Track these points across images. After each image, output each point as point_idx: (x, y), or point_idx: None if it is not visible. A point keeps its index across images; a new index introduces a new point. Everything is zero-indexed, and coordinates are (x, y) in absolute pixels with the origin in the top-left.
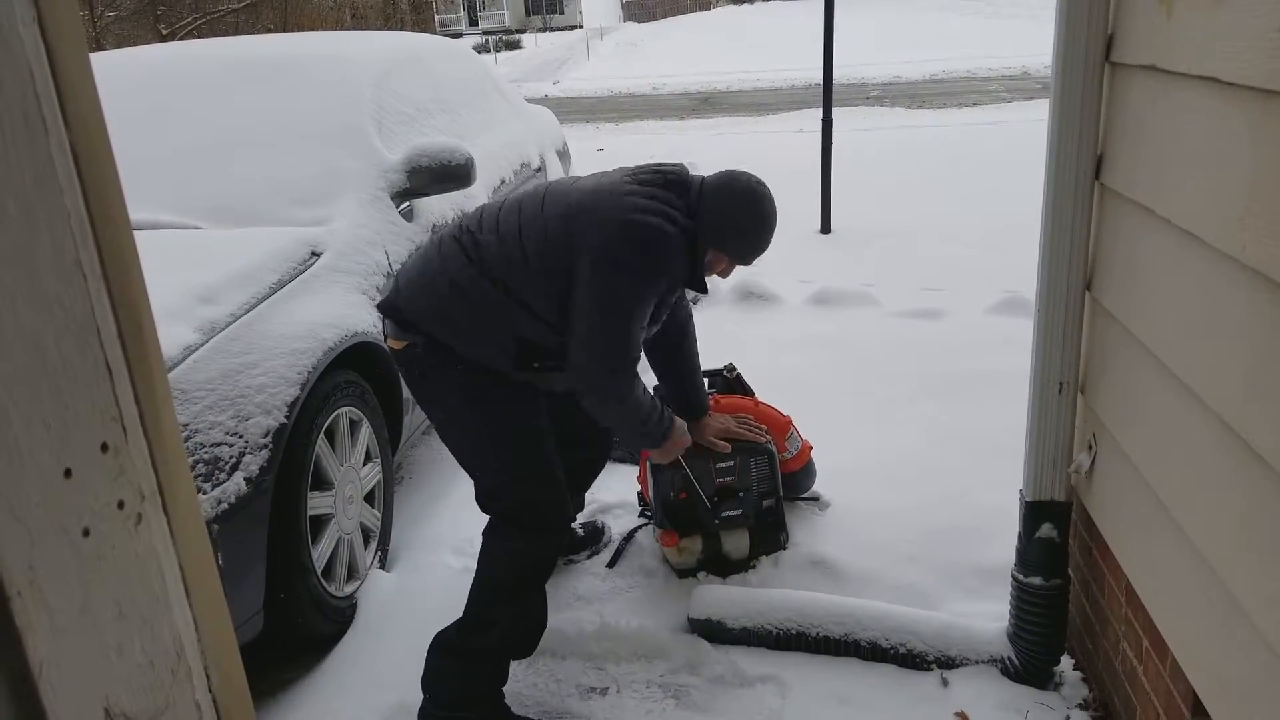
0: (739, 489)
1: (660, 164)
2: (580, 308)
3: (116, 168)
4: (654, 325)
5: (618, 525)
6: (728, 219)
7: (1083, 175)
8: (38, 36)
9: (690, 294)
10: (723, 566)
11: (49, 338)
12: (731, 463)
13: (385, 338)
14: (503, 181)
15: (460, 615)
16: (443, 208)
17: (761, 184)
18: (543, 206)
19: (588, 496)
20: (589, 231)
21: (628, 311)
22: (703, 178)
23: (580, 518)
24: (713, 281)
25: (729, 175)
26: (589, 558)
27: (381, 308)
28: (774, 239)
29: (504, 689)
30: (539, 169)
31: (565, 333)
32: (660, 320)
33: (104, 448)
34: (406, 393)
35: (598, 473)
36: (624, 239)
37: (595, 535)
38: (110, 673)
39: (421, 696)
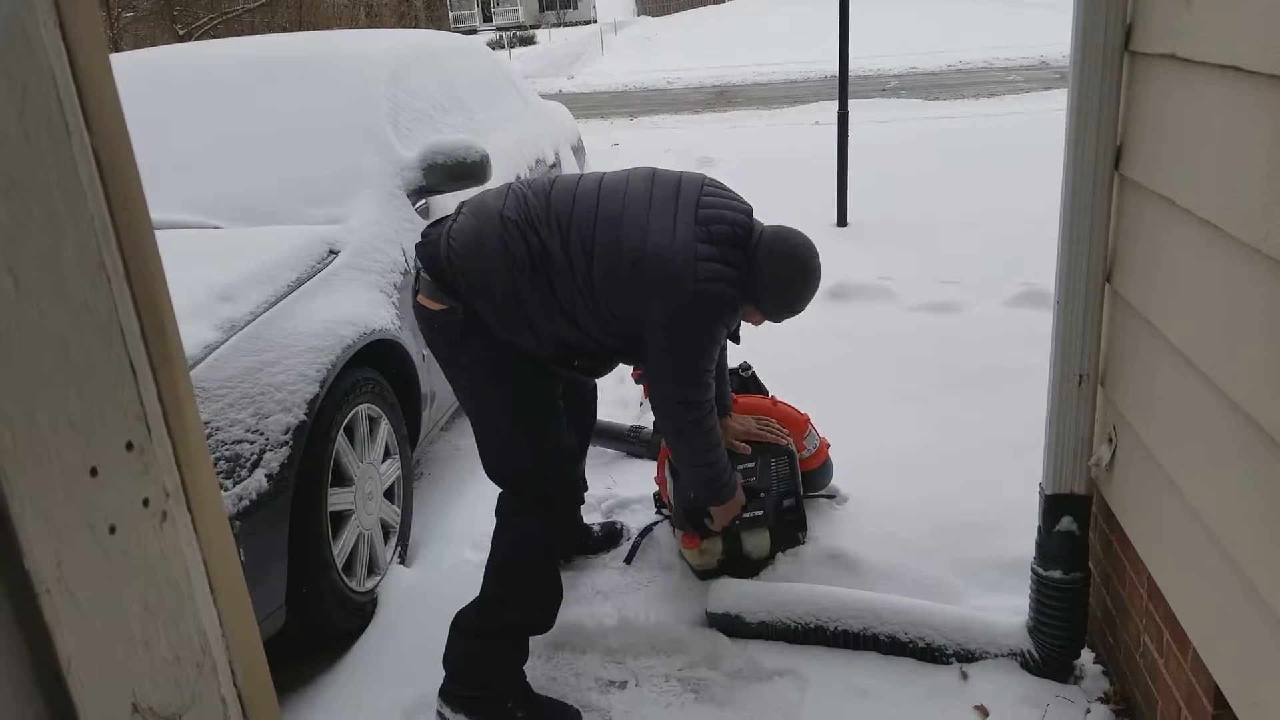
0: (760, 489)
1: (729, 204)
2: (653, 352)
3: (137, 170)
4: None
5: (635, 520)
6: (778, 289)
7: (1102, 166)
8: (59, 39)
9: None
10: (743, 567)
11: (74, 338)
12: (752, 464)
13: (416, 293)
14: (518, 178)
15: (478, 594)
16: None
17: (813, 255)
18: (619, 238)
19: (606, 491)
20: (662, 291)
21: (699, 364)
22: (762, 231)
23: (599, 518)
24: None
25: (787, 244)
26: (607, 554)
27: (424, 260)
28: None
29: (525, 667)
30: (554, 165)
31: (612, 352)
32: None
33: (129, 446)
34: (425, 389)
35: (585, 445)
36: (698, 308)
37: (614, 536)
38: (137, 667)
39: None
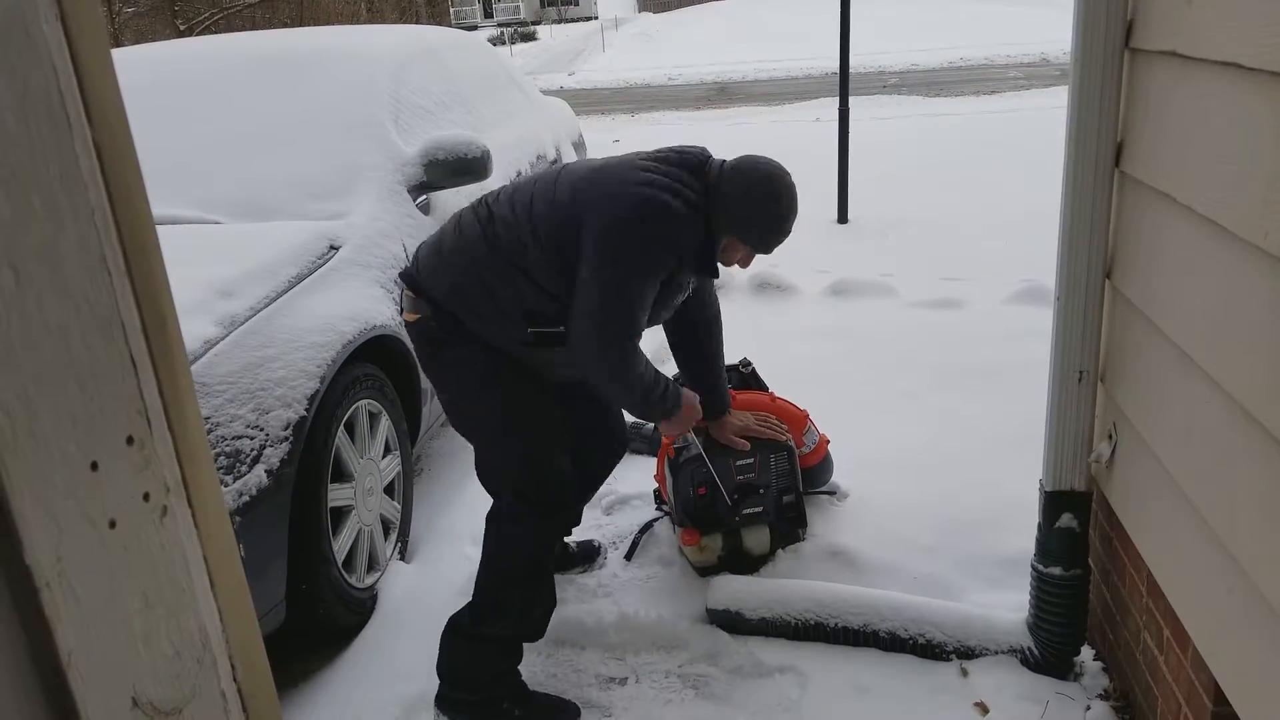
0: (759, 485)
1: (681, 146)
2: (583, 281)
3: (139, 163)
4: (664, 309)
5: (635, 516)
6: (745, 206)
7: (1102, 163)
8: (60, 33)
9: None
10: (744, 563)
11: (75, 332)
12: (752, 460)
13: (400, 310)
14: (519, 174)
15: (471, 599)
16: (460, 200)
17: (782, 170)
18: (555, 185)
19: (606, 487)
20: (594, 205)
21: (628, 286)
22: (723, 161)
23: (599, 514)
24: (729, 272)
25: (750, 160)
26: (581, 573)
27: (401, 276)
28: (794, 228)
29: (519, 667)
30: (555, 161)
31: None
32: (673, 305)
33: (129, 441)
34: (425, 384)
35: (602, 478)
36: (628, 212)
37: (590, 554)
38: (137, 662)
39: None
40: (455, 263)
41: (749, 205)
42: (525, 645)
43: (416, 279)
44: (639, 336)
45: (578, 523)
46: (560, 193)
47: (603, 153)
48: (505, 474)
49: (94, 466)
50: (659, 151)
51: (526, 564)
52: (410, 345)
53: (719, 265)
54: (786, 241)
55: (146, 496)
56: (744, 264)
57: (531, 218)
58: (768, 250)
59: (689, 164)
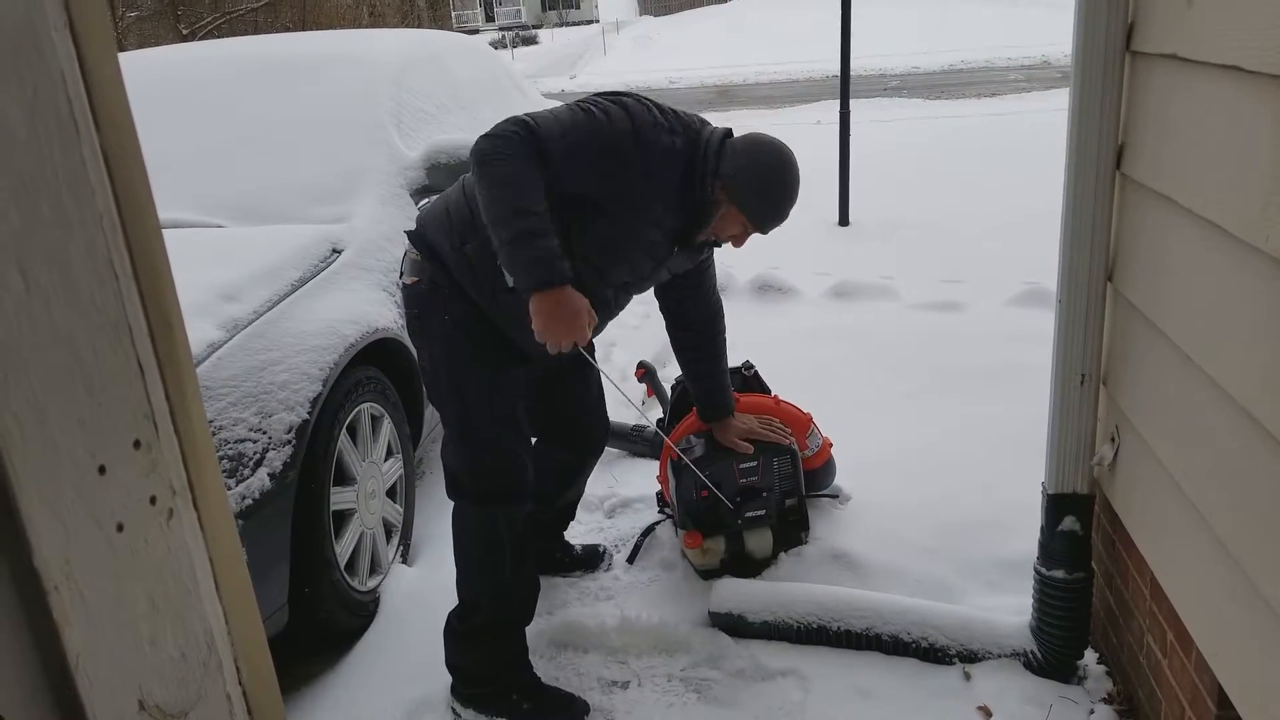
0: (762, 489)
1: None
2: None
3: (145, 169)
4: (643, 257)
5: (638, 519)
6: (752, 174)
7: (1104, 165)
8: (69, 41)
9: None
10: (746, 566)
11: (83, 337)
12: (755, 463)
13: (400, 275)
14: None
15: None
16: None
17: (790, 150)
18: None
19: (608, 490)
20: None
21: (569, 114)
22: (728, 131)
23: (600, 517)
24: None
25: (758, 134)
26: (583, 576)
27: (408, 235)
28: (791, 229)
29: (528, 657)
30: None
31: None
32: (653, 259)
33: (136, 444)
34: None
35: (578, 480)
36: (598, 101)
37: (594, 558)
38: (144, 665)
39: (447, 683)
40: (453, 198)
41: (756, 175)
42: (533, 643)
43: (418, 234)
44: (519, 134)
45: (566, 520)
46: None
47: None
48: (449, 453)
49: (102, 470)
50: None
51: (479, 558)
52: (411, 348)
53: (714, 242)
54: (786, 242)
55: (153, 500)
56: (738, 243)
57: None
58: (764, 227)
59: (681, 113)
